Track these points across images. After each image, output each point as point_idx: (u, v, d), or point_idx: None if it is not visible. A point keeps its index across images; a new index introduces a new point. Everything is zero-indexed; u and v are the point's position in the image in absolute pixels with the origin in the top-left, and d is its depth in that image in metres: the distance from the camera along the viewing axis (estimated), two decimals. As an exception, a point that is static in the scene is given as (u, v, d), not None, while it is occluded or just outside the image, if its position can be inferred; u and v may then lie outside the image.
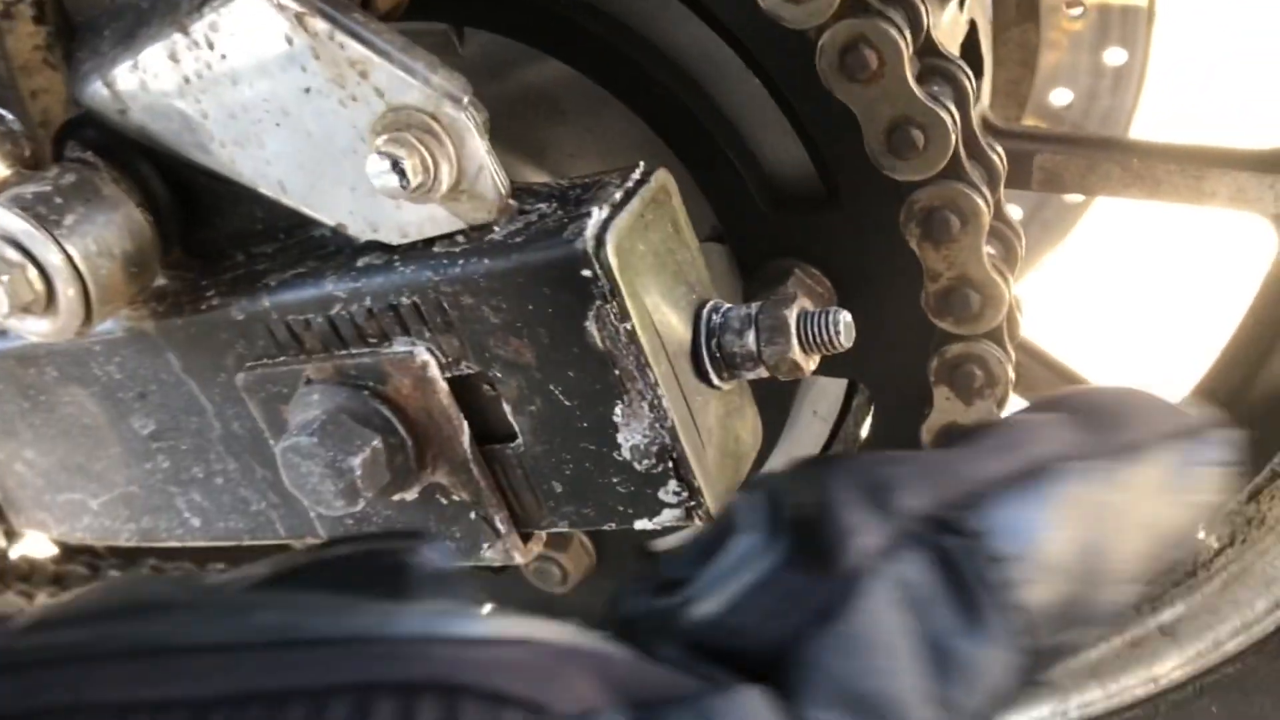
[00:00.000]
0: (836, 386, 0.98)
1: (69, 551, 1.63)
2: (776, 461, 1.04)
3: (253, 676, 0.37)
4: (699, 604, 0.46)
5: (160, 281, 0.87)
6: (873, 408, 0.96)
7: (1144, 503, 0.49)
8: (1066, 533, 0.47)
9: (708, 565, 0.47)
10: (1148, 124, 1.51)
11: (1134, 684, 1.19)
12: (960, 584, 0.45)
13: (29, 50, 1.41)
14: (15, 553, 1.63)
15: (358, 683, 0.37)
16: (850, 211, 0.82)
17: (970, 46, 1.10)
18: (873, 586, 0.44)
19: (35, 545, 1.66)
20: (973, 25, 1.10)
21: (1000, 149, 0.80)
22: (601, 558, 1.11)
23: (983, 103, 0.85)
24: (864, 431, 0.99)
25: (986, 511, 0.47)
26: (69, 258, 0.77)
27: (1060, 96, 1.49)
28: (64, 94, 1.42)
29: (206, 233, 0.86)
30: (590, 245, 0.69)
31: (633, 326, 0.71)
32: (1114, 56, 1.46)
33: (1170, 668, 1.16)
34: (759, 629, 0.45)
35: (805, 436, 1.02)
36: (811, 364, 0.74)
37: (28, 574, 1.54)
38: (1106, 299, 2.50)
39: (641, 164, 0.74)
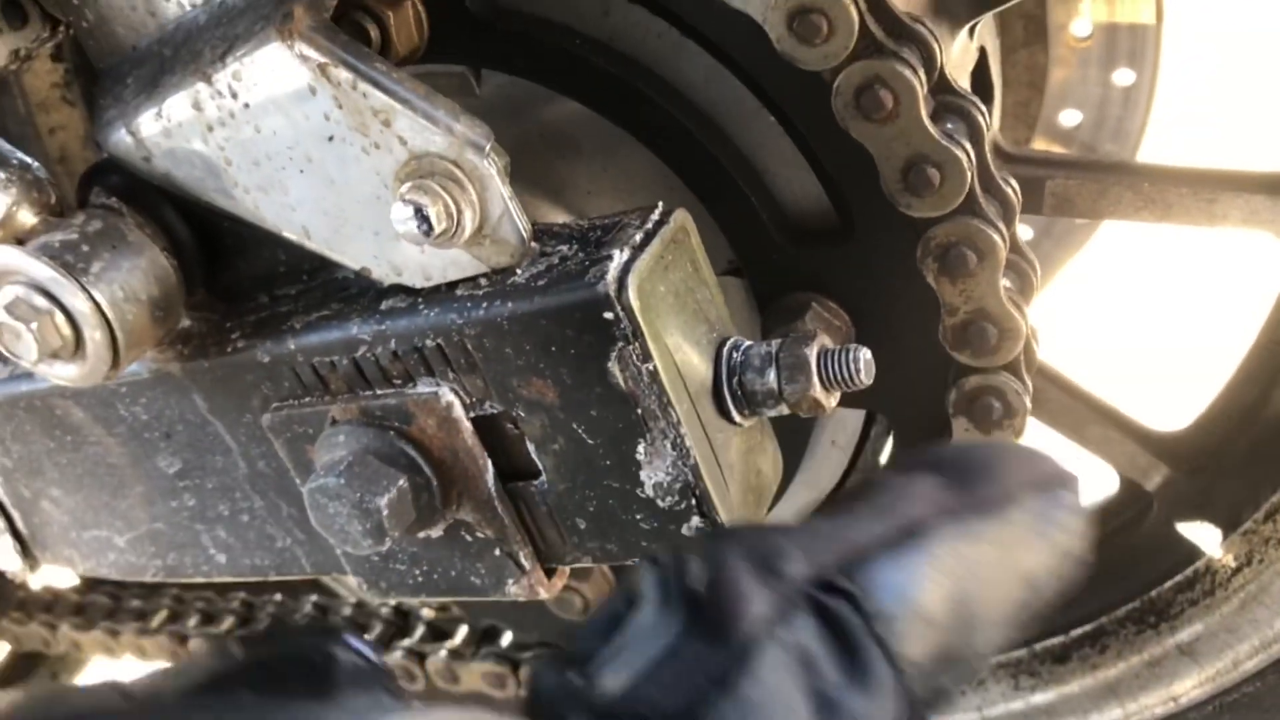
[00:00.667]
0: (855, 417, 0.99)
1: (91, 583, 1.65)
2: (797, 492, 1.05)
3: None
4: (607, 677, 0.50)
5: (185, 323, 0.88)
6: (891, 438, 0.96)
7: (1011, 551, 0.55)
8: (940, 586, 0.53)
9: (613, 638, 0.51)
10: (1157, 142, 1.52)
11: (1153, 703, 1.19)
12: (846, 642, 0.50)
13: (47, 87, 1.42)
14: (38, 583, 1.65)
15: None
16: (867, 246, 0.83)
17: (980, 72, 1.11)
18: (766, 651, 0.49)
19: (58, 577, 1.67)
20: (982, 51, 1.11)
21: (1015, 183, 0.81)
22: (621, 585, 1.11)
23: (993, 127, 0.86)
24: (882, 461, 1.00)
25: (866, 572, 0.52)
26: (96, 304, 0.78)
27: (1070, 117, 1.50)
28: (81, 131, 1.44)
29: (230, 275, 0.87)
30: (612, 288, 0.70)
31: (655, 367, 0.72)
32: (1123, 77, 1.48)
33: (1190, 687, 1.16)
34: (664, 698, 0.48)
35: (824, 467, 1.02)
36: (832, 401, 0.75)
37: (50, 605, 1.56)
38: (1120, 316, 2.50)
39: (660, 204, 0.75)
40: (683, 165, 0.87)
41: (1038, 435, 1.11)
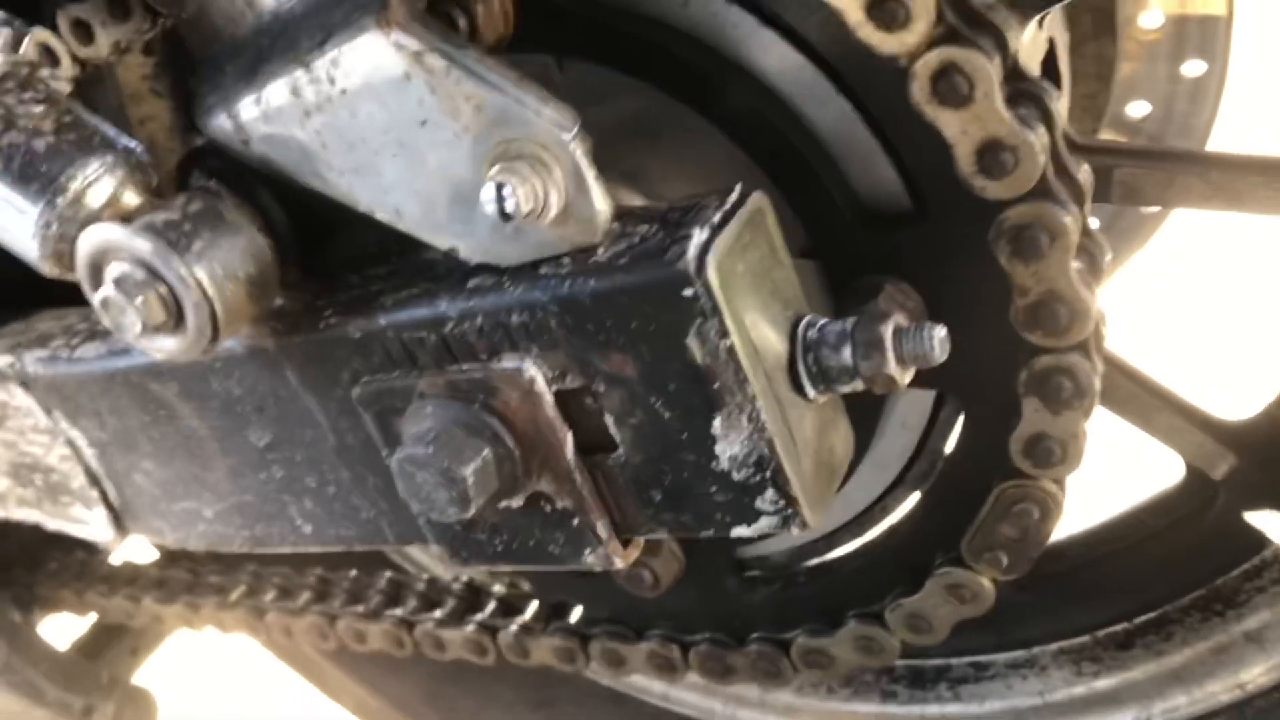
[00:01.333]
0: (924, 398, 1.01)
1: (171, 557, 1.70)
2: (864, 472, 1.07)
3: None
4: None
5: (279, 302, 0.92)
6: (961, 419, 0.98)
7: None
8: None
9: None
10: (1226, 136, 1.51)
11: (1219, 690, 1.19)
12: None
13: (137, 80, 1.48)
14: (119, 559, 1.71)
15: None
16: (940, 229, 0.85)
17: (1049, 63, 1.12)
18: None
19: (139, 552, 1.73)
20: (1050, 43, 1.12)
21: (1087, 166, 0.82)
22: (691, 563, 1.14)
23: (1061, 118, 0.87)
24: (951, 443, 1.02)
25: None
26: (198, 281, 0.81)
27: (1137, 109, 1.50)
28: (168, 122, 1.49)
29: (323, 256, 0.91)
30: (692, 266, 0.72)
31: (732, 343, 0.74)
32: (1192, 68, 1.47)
33: (1257, 674, 1.16)
34: None
35: (893, 447, 1.04)
36: (907, 377, 0.77)
37: (133, 579, 1.61)
38: (1187, 306, 2.47)
39: (739, 187, 0.78)
40: (758, 151, 0.89)
41: (1106, 424, 1.12)
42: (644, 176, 0.96)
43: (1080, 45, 1.44)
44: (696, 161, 0.93)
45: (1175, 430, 1.19)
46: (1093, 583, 1.30)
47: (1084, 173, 0.81)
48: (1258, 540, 1.18)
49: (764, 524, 0.82)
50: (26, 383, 1.13)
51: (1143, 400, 1.18)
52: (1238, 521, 1.19)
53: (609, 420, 0.82)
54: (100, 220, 0.84)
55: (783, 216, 0.81)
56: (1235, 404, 1.21)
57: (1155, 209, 1.55)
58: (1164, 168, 1.04)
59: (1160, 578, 1.25)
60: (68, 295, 1.19)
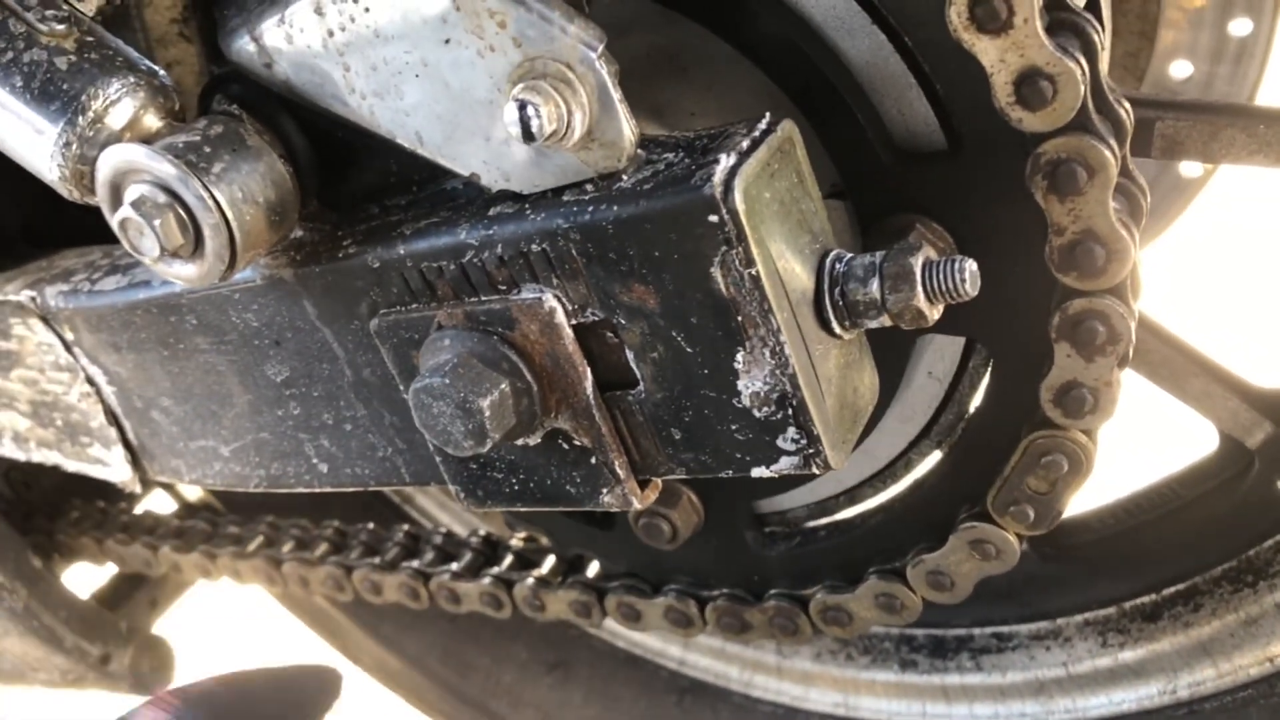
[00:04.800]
0: (952, 348, 0.98)
1: (190, 508, 1.70)
2: (890, 425, 1.04)
3: None
4: None
5: (298, 233, 0.91)
6: (990, 369, 0.96)
7: None
8: None
9: None
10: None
11: (1248, 663, 1.17)
12: None
13: (166, 23, 1.47)
14: (140, 508, 1.71)
15: None
16: (974, 165, 0.82)
17: (1091, 10, 1.09)
18: None
19: (158, 502, 1.73)
20: (1093, -8, 1.09)
21: (1127, 104, 0.80)
22: (710, 516, 1.12)
23: (1103, 49, 0.84)
24: (979, 394, 0.99)
25: None
26: (217, 203, 0.80)
27: (1180, 69, 1.46)
28: (196, 67, 1.48)
29: (343, 187, 0.89)
30: (719, 191, 0.70)
31: (757, 272, 0.72)
32: (1239, 27, 1.43)
33: (1288, 647, 1.14)
34: None
35: (919, 398, 1.02)
36: (936, 313, 0.74)
37: (152, 528, 1.61)
38: (1224, 273, 2.41)
39: (768, 114, 0.76)
40: (789, 84, 0.87)
41: (1138, 389, 1.10)
42: (670, 113, 0.94)
43: (1123, 1, 1.40)
44: (725, 96, 0.91)
45: (1210, 397, 1.16)
46: (1120, 554, 1.27)
47: (1125, 109, 0.79)
48: (1292, 511, 1.15)
49: (785, 464, 0.80)
50: (47, 317, 1.12)
51: (1177, 365, 1.15)
52: (1272, 491, 1.16)
53: (629, 355, 0.80)
54: (121, 141, 0.83)
55: (813, 154, 0.79)
56: (1272, 371, 1.18)
57: (1191, 177, 1.52)
58: (1207, 120, 1.01)
59: (1190, 549, 1.22)
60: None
